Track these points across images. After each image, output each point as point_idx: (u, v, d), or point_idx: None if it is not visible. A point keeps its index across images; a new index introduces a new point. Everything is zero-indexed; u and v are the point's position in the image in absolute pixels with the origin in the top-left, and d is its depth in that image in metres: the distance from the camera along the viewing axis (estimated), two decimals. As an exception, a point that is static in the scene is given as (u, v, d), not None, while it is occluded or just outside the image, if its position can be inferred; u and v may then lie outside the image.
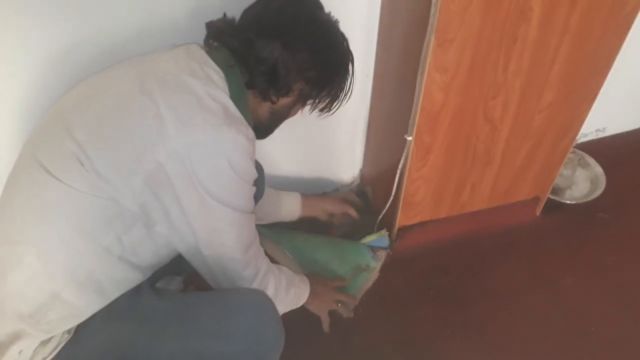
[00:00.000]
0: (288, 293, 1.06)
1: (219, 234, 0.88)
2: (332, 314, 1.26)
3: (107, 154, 0.79)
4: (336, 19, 0.99)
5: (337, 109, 1.04)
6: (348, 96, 1.04)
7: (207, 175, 0.81)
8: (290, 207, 1.40)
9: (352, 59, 1.01)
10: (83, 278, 0.83)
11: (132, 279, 0.89)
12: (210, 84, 0.84)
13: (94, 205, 0.80)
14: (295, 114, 1.05)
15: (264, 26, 0.90)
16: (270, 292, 0.99)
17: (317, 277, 1.26)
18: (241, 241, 0.91)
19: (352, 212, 1.45)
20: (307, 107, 1.05)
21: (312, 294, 1.18)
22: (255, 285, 0.96)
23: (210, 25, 0.95)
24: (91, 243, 0.82)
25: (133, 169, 0.79)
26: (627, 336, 1.29)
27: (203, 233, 0.86)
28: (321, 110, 1.04)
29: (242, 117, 0.86)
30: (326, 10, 1.00)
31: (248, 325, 0.87)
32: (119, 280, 0.87)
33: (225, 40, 0.92)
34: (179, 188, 0.81)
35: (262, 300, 0.94)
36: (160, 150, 0.78)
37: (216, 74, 0.87)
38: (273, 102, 0.96)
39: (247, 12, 0.96)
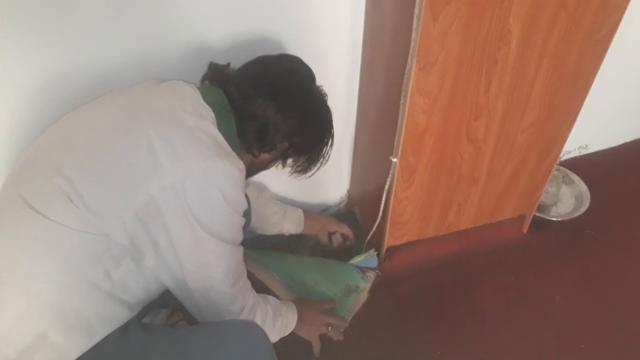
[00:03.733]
0: (275, 325, 1.06)
1: (207, 266, 0.87)
2: (322, 337, 1.25)
3: (98, 189, 0.79)
4: (325, 93, 1.04)
5: (313, 174, 1.09)
6: (324, 164, 1.09)
7: (199, 206, 0.81)
8: (293, 222, 1.42)
9: (333, 132, 1.07)
10: (71, 317, 0.81)
11: (120, 316, 0.88)
12: (200, 118, 0.85)
13: (83, 241, 0.79)
14: (271, 167, 1.08)
15: (264, 86, 0.94)
16: None
17: (305, 301, 1.26)
18: (229, 274, 0.91)
19: (349, 231, 1.48)
20: (285, 166, 1.09)
21: (301, 319, 1.17)
22: (242, 319, 0.96)
23: (214, 68, 0.98)
24: (80, 280, 0.80)
25: (125, 203, 0.78)
26: (616, 353, 1.29)
27: (191, 265, 0.86)
28: (297, 172, 1.08)
29: (232, 150, 0.88)
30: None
31: (240, 355, 0.86)
32: (108, 318, 0.86)
33: (226, 87, 0.94)
34: (170, 220, 0.80)
35: (253, 330, 0.93)
36: (154, 183, 0.78)
37: (206, 111, 0.88)
38: (254, 156, 0.99)
39: (247, 67, 0.99)
